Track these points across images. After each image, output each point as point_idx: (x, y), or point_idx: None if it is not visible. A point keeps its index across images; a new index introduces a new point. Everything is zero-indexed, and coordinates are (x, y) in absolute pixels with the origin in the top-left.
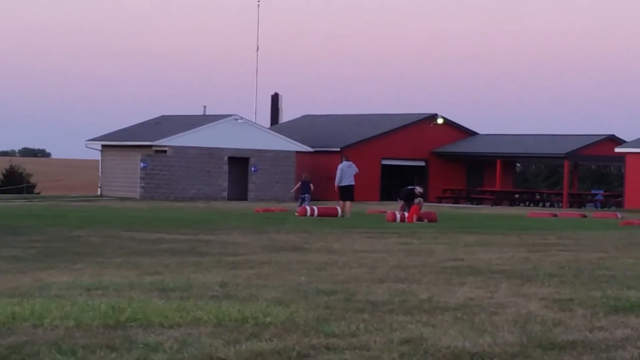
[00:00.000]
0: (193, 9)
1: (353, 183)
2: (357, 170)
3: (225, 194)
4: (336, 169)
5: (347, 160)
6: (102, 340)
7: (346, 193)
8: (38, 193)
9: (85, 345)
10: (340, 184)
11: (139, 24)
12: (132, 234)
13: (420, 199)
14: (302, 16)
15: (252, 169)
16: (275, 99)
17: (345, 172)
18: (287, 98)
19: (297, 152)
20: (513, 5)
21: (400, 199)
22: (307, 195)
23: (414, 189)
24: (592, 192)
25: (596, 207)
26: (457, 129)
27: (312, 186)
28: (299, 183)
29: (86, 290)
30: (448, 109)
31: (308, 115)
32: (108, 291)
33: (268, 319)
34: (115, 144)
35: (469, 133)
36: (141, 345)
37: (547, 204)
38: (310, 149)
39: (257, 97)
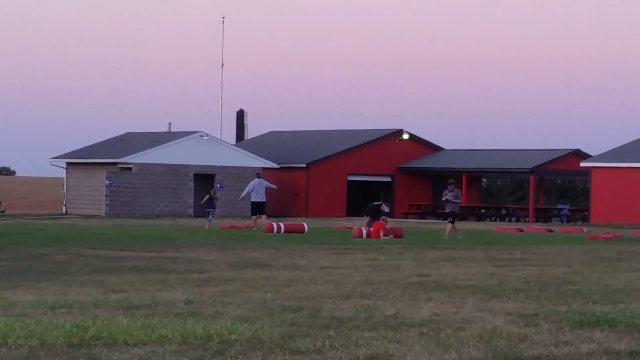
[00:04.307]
0: (157, 24)
1: (264, 200)
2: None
3: (191, 211)
4: (302, 185)
5: (259, 177)
6: (66, 359)
7: (257, 208)
8: (3, 211)
9: None
10: (252, 200)
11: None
12: (97, 251)
13: (385, 217)
14: (267, 32)
15: (218, 185)
16: (240, 115)
17: (256, 189)
18: (253, 114)
19: (263, 168)
20: (476, 19)
21: (367, 215)
22: (212, 209)
23: (380, 204)
24: (558, 206)
25: (562, 222)
26: (422, 145)
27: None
28: (207, 197)
29: (51, 308)
30: (414, 125)
31: (273, 132)
32: (73, 309)
33: (233, 336)
34: (80, 161)
35: (434, 148)
36: None
37: (513, 218)
38: (275, 165)
39: (222, 113)
